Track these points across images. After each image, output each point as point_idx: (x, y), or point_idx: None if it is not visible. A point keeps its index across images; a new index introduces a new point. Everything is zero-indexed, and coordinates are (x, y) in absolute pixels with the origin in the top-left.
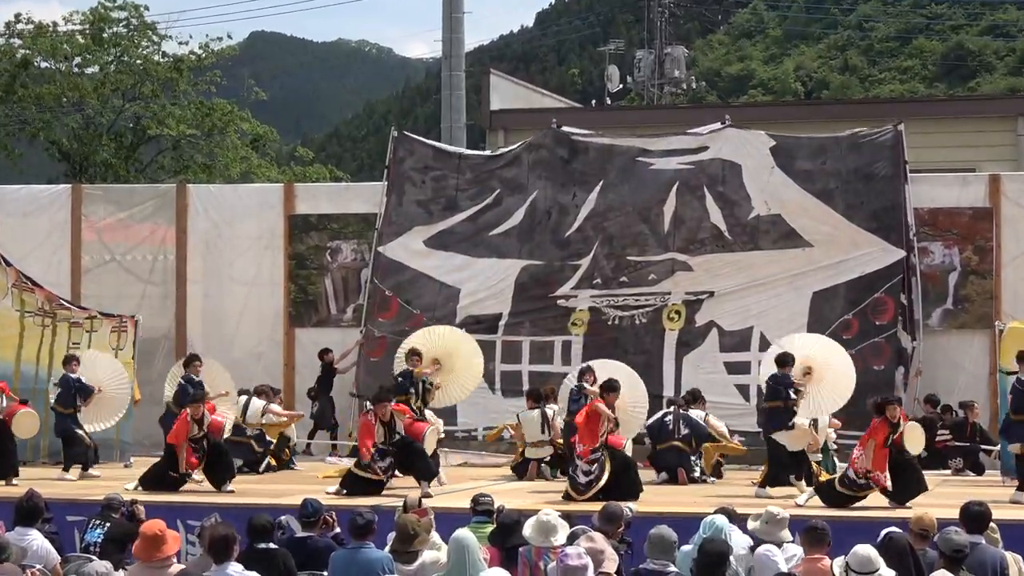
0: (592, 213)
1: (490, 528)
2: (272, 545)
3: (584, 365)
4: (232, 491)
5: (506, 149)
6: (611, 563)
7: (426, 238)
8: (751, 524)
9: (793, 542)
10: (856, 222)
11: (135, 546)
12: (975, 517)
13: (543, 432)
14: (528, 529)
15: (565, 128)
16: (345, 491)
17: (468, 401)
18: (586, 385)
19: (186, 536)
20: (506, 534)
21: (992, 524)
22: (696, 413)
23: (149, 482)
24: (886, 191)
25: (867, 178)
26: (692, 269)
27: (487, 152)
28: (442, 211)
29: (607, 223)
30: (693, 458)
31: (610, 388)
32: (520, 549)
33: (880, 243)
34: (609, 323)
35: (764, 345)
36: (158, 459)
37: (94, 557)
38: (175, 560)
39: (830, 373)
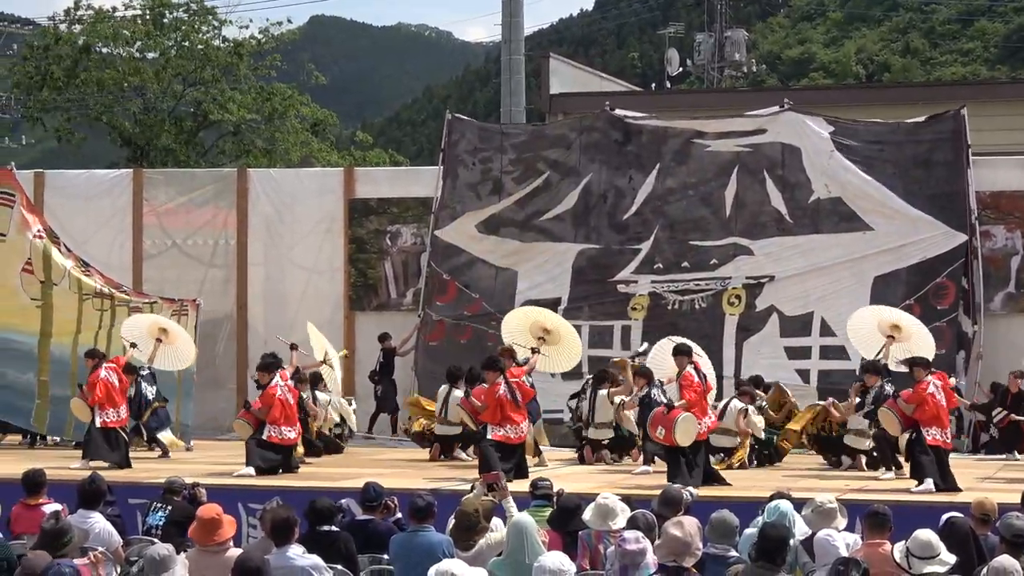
0: (650, 196)
1: (549, 512)
2: (334, 528)
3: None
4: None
5: (549, 124)
6: (691, 559)
7: (478, 222)
8: (804, 511)
9: (853, 530)
10: (917, 206)
11: (191, 529)
12: None
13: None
14: (588, 513)
15: (618, 111)
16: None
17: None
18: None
19: (247, 519)
20: (567, 518)
21: None
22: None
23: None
24: (947, 176)
25: (926, 164)
26: (753, 253)
27: (528, 125)
28: (489, 194)
29: (667, 207)
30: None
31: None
32: (580, 533)
33: (941, 227)
34: (669, 307)
35: (825, 330)
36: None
37: (156, 540)
38: (231, 544)
39: (916, 328)
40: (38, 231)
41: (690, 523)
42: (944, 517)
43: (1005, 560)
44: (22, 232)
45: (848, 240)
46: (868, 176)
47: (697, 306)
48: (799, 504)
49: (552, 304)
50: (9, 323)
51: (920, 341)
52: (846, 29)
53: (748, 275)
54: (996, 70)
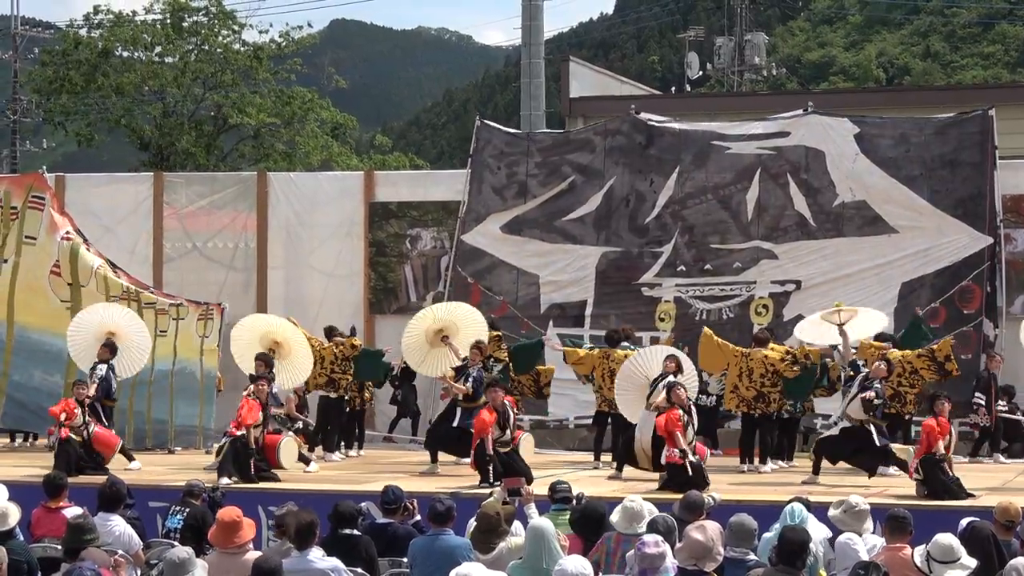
0: (670, 200)
1: (568, 515)
2: (355, 532)
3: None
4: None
5: (576, 130)
6: (712, 563)
7: (502, 224)
8: (831, 512)
9: (874, 532)
10: (942, 208)
11: (211, 532)
12: None
13: None
14: (615, 515)
15: (642, 114)
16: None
17: (558, 392)
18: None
19: (267, 522)
20: (594, 526)
21: None
22: None
23: None
24: (973, 177)
25: (952, 164)
26: (777, 257)
27: (555, 131)
28: (514, 197)
29: (686, 211)
30: None
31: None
32: (603, 536)
33: (967, 230)
34: (697, 318)
35: None
36: None
37: (176, 543)
38: (251, 546)
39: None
40: (66, 232)
41: (712, 527)
42: (965, 521)
43: (1022, 562)
44: (51, 235)
45: (873, 243)
46: (893, 179)
47: (724, 316)
48: (817, 509)
49: (579, 308)
50: (40, 325)
51: (865, 314)
52: (866, 32)
53: (773, 279)
54: (1017, 73)
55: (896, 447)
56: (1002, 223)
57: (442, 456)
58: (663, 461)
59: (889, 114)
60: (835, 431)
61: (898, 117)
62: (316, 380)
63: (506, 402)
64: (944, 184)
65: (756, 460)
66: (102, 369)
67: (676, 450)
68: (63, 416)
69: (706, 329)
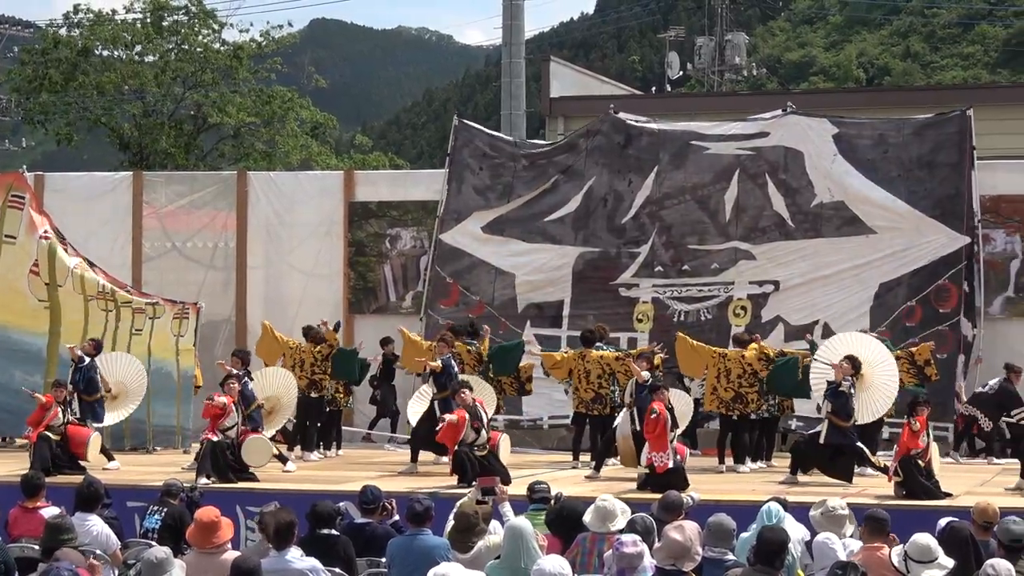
0: (648, 200)
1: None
2: (333, 532)
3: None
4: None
5: (563, 138)
6: (690, 563)
7: (483, 224)
8: (812, 512)
9: (853, 536)
10: (920, 209)
11: (189, 532)
12: None
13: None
14: (588, 515)
15: (621, 114)
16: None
17: (534, 392)
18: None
19: (245, 522)
20: (571, 526)
21: None
22: None
23: None
24: (950, 177)
25: (930, 165)
26: (755, 258)
27: (544, 142)
28: (499, 198)
29: (663, 211)
30: None
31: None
32: (577, 536)
33: (944, 230)
34: (675, 319)
35: (827, 333)
36: None
37: (153, 543)
38: (230, 546)
39: (876, 378)
40: (44, 232)
41: (691, 527)
42: (943, 521)
43: (999, 563)
44: (30, 234)
45: (851, 244)
46: (871, 180)
47: (703, 317)
48: (795, 508)
49: (556, 308)
50: (19, 325)
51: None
52: (846, 33)
53: (751, 280)
54: (997, 74)
55: (875, 458)
56: (980, 223)
57: (421, 456)
58: (643, 462)
59: (869, 114)
60: (817, 429)
61: (876, 119)
62: (299, 383)
63: (476, 403)
64: (922, 184)
65: (732, 460)
66: (86, 363)
67: (658, 455)
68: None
69: (679, 333)
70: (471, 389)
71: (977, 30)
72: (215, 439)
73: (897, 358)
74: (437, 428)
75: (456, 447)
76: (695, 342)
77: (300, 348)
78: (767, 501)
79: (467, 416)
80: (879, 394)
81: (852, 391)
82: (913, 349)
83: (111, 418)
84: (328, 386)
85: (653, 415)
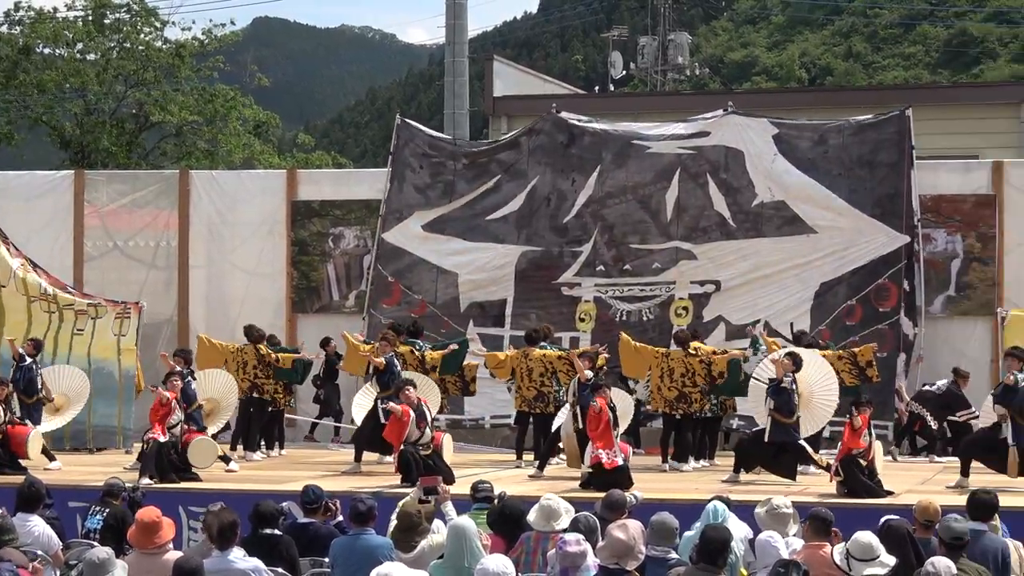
0: (590, 200)
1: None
2: (276, 532)
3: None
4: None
5: (504, 137)
6: (634, 562)
7: (424, 223)
8: (757, 510)
9: (797, 535)
10: (860, 208)
11: (131, 532)
12: (981, 505)
13: None
14: (532, 514)
15: (563, 114)
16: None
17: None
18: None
19: (188, 522)
20: (512, 525)
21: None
22: None
23: None
24: (890, 177)
25: (870, 164)
26: (696, 258)
27: (485, 141)
28: (440, 197)
29: (605, 210)
30: None
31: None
32: (522, 535)
33: (884, 229)
34: (617, 319)
35: (769, 333)
36: None
37: (95, 543)
38: (171, 546)
39: (816, 399)
40: None
41: (634, 526)
42: (882, 520)
43: (939, 561)
44: None
45: (792, 244)
46: (812, 179)
47: (645, 317)
48: (738, 507)
49: (499, 307)
50: None
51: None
52: (789, 33)
53: (692, 279)
54: (938, 74)
55: (818, 456)
56: (920, 222)
57: (365, 455)
58: (587, 461)
59: (811, 114)
60: (762, 427)
61: (818, 119)
62: (240, 385)
63: (421, 402)
64: (862, 184)
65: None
66: (27, 362)
67: (605, 452)
68: None
69: (623, 335)
70: (415, 387)
71: (918, 30)
72: (163, 439)
73: (839, 358)
74: (383, 423)
75: (401, 446)
76: (637, 343)
77: (242, 350)
78: (710, 500)
79: (412, 413)
80: (817, 412)
81: (794, 387)
82: (856, 350)
83: (51, 424)
84: (268, 389)
85: (596, 411)
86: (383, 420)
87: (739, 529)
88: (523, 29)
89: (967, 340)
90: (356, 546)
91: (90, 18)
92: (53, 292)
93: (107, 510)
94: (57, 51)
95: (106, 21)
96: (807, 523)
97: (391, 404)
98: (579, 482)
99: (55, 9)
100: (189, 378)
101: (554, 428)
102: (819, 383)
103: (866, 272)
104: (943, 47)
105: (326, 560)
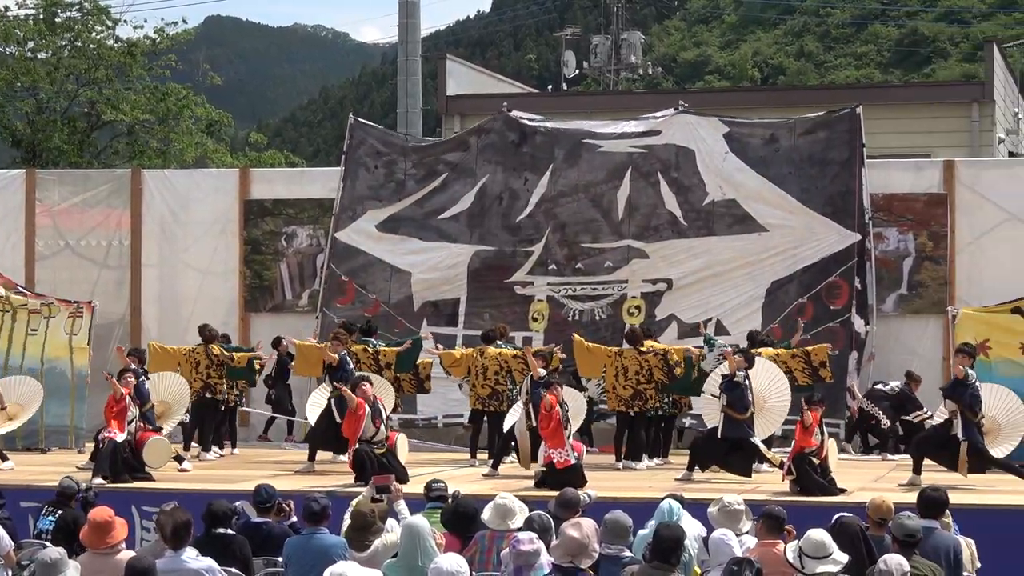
0: (543, 199)
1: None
2: (229, 531)
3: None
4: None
5: (453, 134)
6: (587, 560)
7: (378, 222)
8: (710, 509)
9: (750, 532)
10: (811, 207)
11: (83, 533)
12: (931, 503)
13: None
14: (486, 513)
15: (514, 112)
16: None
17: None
18: None
19: (141, 522)
20: (466, 523)
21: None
22: None
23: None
24: (841, 175)
25: (822, 163)
26: (648, 256)
27: (433, 139)
28: (391, 195)
29: (558, 209)
30: None
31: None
32: (476, 534)
33: (835, 227)
34: (569, 318)
35: (720, 332)
36: None
37: (48, 543)
38: (124, 546)
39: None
40: None
41: (588, 525)
42: (835, 517)
43: (891, 558)
44: None
45: (743, 242)
46: (763, 177)
47: (597, 316)
48: (692, 505)
49: (452, 306)
50: None
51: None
52: (741, 32)
53: (644, 278)
54: (889, 73)
55: (772, 454)
56: (871, 220)
57: (318, 454)
58: (541, 460)
59: (763, 113)
60: (715, 424)
61: (769, 118)
62: (193, 386)
63: (376, 400)
64: (813, 182)
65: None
66: None
67: (557, 451)
68: None
69: (576, 335)
70: (371, 383)
71: (870, 30)
72: (120, 438)
73: (792, 356)
74: (338, 421)
75: (356, 444)
76: (590, 344)
77: (194, 351)
78: (664, 498)
79: (367, 408)
80: (771, 416)
81: (747, 382)
82: (809, 349)
83: (3, 428)
84: (221, 389)
85: (547, 407)
86: (335, 411)
87: (693, 527)
88: (476, 28)
89: (919, 338)
90: (310, 545)
91: (41, 17)
92: (6, 293)
93: (60, 511)
94: (8, 50)
95: (57, 20)
96: (760, 521)
97: (344, 388)
98: (533, 481)
99: (6, 8)
100: (143, 377)
101: (506, 426)
102: (769, 387)
103: (817, 270)
104: (895, 47)
105: (280, 560)
